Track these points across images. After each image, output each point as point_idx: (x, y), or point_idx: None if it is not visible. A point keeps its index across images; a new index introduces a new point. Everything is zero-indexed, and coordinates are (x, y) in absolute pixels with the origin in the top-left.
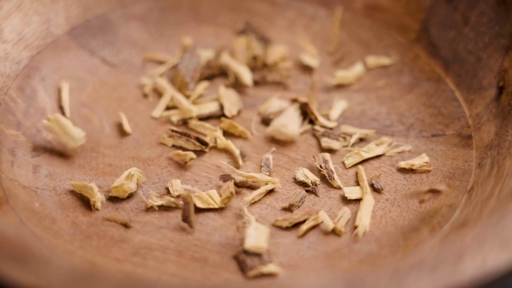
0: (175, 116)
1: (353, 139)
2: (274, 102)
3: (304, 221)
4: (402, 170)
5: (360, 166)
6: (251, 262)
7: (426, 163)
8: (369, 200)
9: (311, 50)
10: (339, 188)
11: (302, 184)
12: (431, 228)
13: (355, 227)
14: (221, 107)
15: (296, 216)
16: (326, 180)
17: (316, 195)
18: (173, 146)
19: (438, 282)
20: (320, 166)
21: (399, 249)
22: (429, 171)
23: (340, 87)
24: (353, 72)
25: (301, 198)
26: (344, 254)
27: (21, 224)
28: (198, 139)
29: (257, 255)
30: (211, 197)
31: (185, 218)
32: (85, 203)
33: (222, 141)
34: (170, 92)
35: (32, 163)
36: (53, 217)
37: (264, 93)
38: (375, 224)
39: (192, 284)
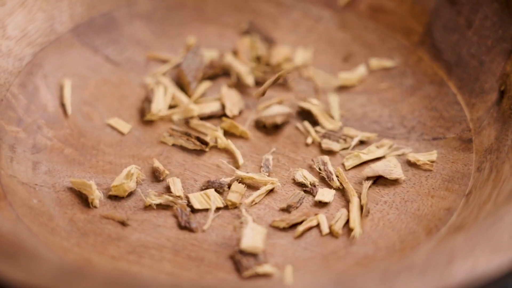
0: (176, 115)
1: (354, 142)
2: (274, 107)
3: (301, 222)
4: (403, 168)
5: (339, 169)
6: (247, 262)
7: (431, 161)
8: (356, 201)
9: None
10: (338, 189)
11: (301, 185)
12: (428, 231)
13: (351, 230)
14: (223, 107)
15: (294, 217)
16: (326, 181)
17: (314, 196)
18: (173, 145)
19: (428, 285)
20: (319, 169)
21: (396, 252)
22: (430, 170)
23: (342, 88)
24: (356, 74)
25: (299, 199)
26: (340, 256)
27: (18, 220)
28: (198, 139)
29: (253, 255)
30: (208, 197)
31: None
32: (84, 200)
33: (223, 141)
34: (171, 90)
35: (32, 159)
36: (50, 214)
37: (266, 93)
38: (373, 227)
39: (183, 283)
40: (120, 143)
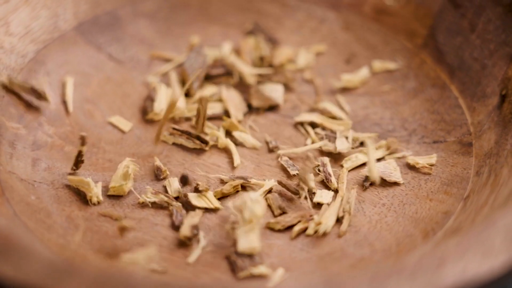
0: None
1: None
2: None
3: (297, 224)
4: (403, 170)
5: (343, 170)
6: (242, 263)
7: (430, 165)
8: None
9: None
10: (336, 191)
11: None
12: (425, 234)
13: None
14: (224, 109)
15: (289, 218)
16: (324, 183)
17: (310, 199)
18: (174, 143)
19: None
20: (318, 170)
21: (392, 254)
22: (429, 174)
23: (345, 90)
24: (358, 75)
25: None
26: (336, 258)
27: (14, 217)
28: (198, 138)
29: (249, 256)
30: (207, 198)
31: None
32: (82, 198)
33: (223, 141)
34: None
35: (31, 156)
36: (48, 210)
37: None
38: (370, 229)
39: (173, 282)
40: (120, 141)
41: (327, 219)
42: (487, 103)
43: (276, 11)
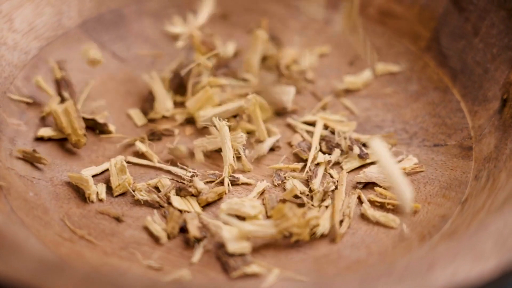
0: (179, 115)
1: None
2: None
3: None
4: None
5: (343, 172)
6: (234, 263)
7: (416, 164)
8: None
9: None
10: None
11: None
12: (421, 237)
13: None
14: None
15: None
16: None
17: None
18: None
19: None
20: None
21: (387, 257)
22: (422, 171)
23: (347, 92)
24: (361, 77)
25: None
26: (332, 260)
27: (11, 212)
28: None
29: (241, 255)
30: (190, 203)
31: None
32: (81, 195)
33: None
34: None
35: None
36: (46, 207)
37: None
38: (367, 231)
39: (161, 281)
40: (121, 139)
41: (325, 221)
42: (488, 107)
43: (281, 12)
